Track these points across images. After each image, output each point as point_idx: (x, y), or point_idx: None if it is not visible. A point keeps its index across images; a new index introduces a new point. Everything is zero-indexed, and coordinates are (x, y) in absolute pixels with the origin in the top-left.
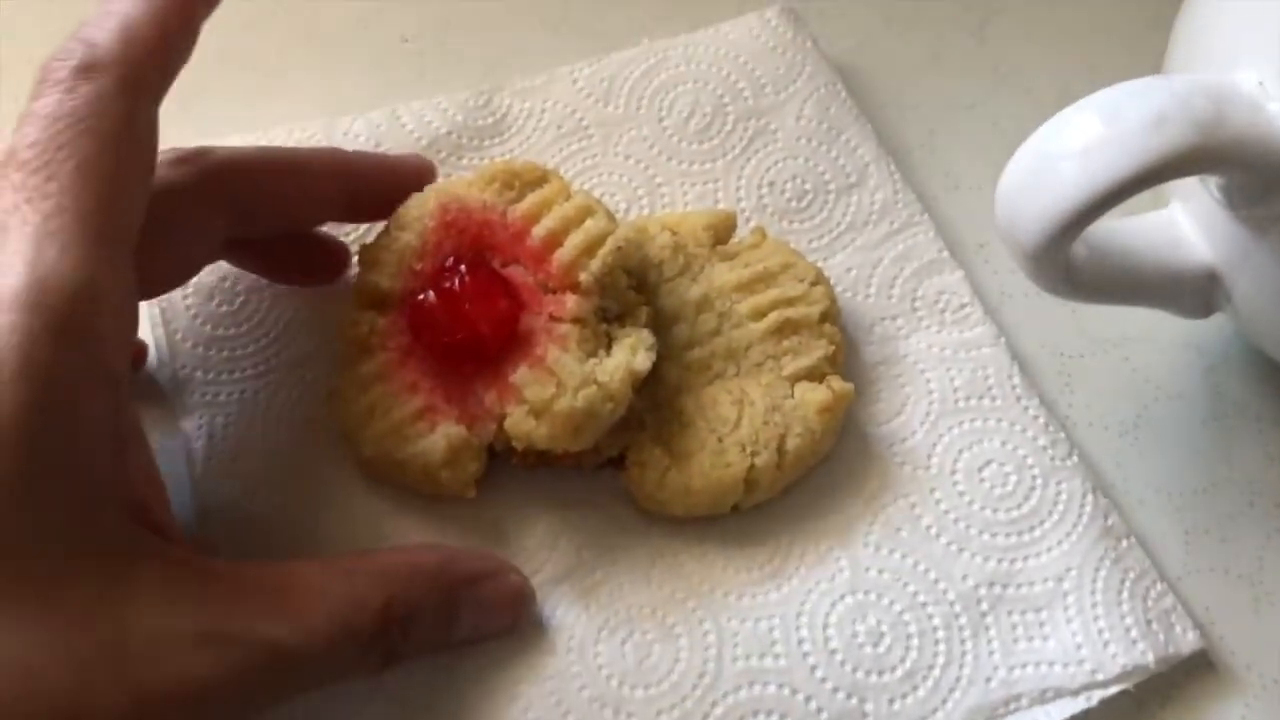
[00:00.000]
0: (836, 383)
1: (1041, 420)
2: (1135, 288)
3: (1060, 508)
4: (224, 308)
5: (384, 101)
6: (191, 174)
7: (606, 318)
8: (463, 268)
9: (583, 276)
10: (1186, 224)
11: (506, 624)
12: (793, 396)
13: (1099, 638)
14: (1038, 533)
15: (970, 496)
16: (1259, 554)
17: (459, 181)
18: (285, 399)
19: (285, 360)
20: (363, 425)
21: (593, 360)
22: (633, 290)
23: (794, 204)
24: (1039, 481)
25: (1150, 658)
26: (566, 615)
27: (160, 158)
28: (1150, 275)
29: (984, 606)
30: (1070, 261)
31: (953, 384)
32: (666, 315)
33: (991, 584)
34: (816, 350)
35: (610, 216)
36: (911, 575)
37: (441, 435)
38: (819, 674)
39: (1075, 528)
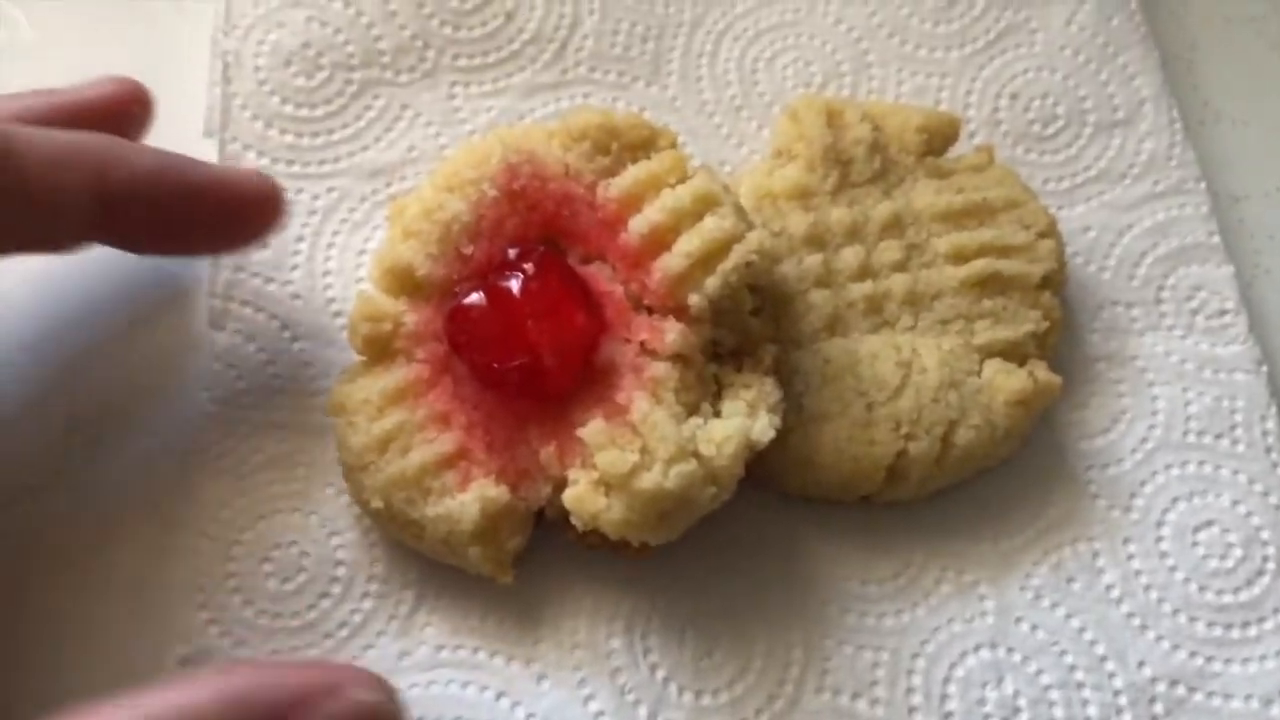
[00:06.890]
0: (1041, 371)
1: None
2: None
3: None
4: (300, 80)
5: None
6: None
7: (718, 353)
8: (528, 265)
9: (693, 299)
10: None
11: None
12: (979, 375)
13: None
14: (1254, 631)
15: (1175, 561)
16: None
17: (535, 131)
18: (344, 216)
19: (359, 165)
20: (370, 463)
21: (694, 420)
22: (755, 317)
23: (1037, 129)
24: (1272, 564)
25: None
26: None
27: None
28: None
29: (1158, 709)
30: None
31: (1187, 409)
32: (840, 229)
33: (1175, 682)
34: (1025, 323)
35: (741, 211)
36: (1073, 643)
37: (475, 497)
38: None
39: None
